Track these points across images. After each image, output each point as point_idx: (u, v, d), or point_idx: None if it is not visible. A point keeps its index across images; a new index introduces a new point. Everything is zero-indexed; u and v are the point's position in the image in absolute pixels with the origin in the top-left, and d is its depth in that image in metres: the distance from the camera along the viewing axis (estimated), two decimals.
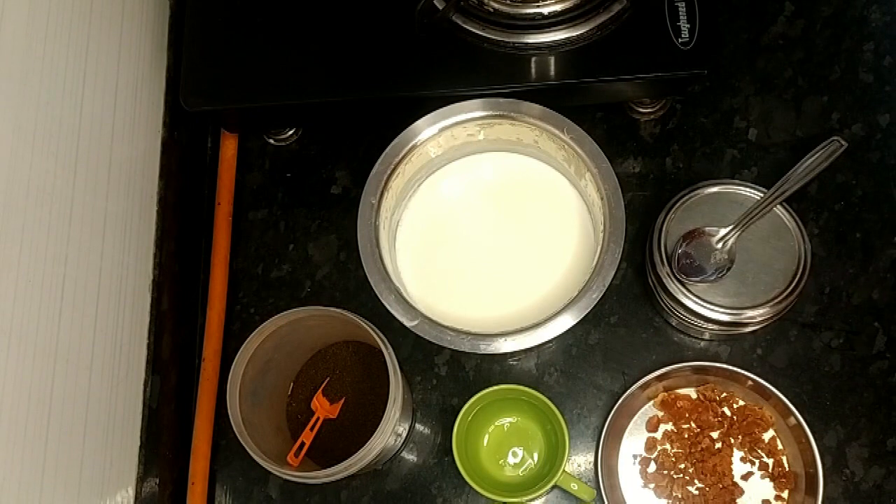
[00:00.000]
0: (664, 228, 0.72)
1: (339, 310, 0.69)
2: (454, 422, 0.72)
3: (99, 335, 0.69)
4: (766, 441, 0.74)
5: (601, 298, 0.67)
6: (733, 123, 0.83)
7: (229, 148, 0.86)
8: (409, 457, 0.78)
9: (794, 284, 0.70)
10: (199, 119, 0.87)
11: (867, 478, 0.74)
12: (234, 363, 0.69)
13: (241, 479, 0.78)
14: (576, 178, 0.75)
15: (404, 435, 0.76)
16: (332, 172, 0.86)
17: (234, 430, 0.67)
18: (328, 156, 0.86)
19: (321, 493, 0.77)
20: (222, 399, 0.80)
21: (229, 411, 0.68)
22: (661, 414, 0.76)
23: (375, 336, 0.68)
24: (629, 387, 0.73)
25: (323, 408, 0.76)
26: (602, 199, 0.69)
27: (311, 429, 0.74)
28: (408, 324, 0.67)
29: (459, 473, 0.71)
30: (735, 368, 0.72)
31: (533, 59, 0.75)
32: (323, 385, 0.77)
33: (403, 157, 0.73)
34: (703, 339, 0.78)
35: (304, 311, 0.70)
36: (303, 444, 0.73)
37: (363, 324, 0.68)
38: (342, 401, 0.77)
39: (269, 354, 0.72)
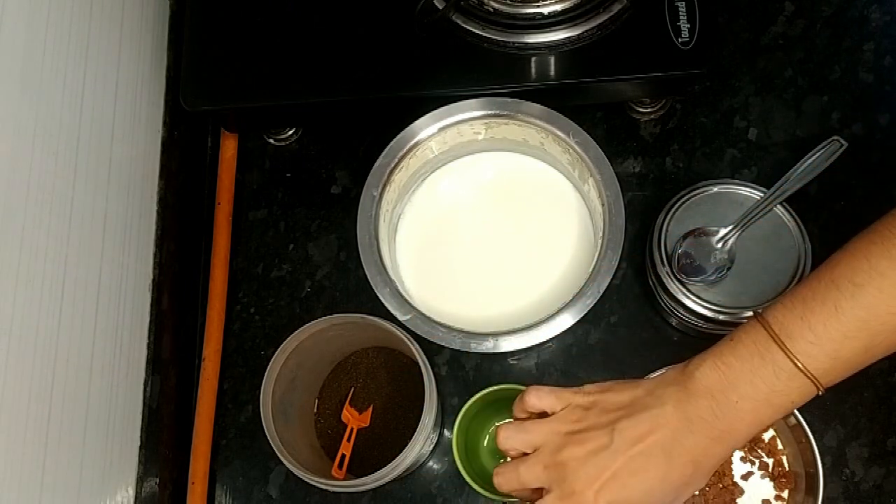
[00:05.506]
0: (664, 228, 0.72)
1: (360, 315, 0.69)
2: (454, 422, 0.72)
3: (99, 335, 0.69)
4: (766, 441, 0.74)
5: (600, 299, 0.67)
6: (733, 123, 0.83)
7: (229, 148, 0.86)
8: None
9: (794, 284, 0.70)
10: (199, 119, 0.87)
11: (867, 478, 0.74)
12: (262, 384, 0.68)
13: (241, 479, 0.78)
14: (579, 182, 0.75)
15: (435, 438, 0.76)
16: (332, 172, 0.86)
17: (277, 453, 0.67)
18: (328, 156, 0.86)
19: (321, 493, 0.77)
20: (222, 399, 0.80)
21: (267, 434, 0.67)
22: None
23: (405, 339, 0.68)
24: None
25: (355, 418, 0.76)
26: (603, 205, 0.70)
27: (349, 440, 0.74)
28: (401, 318, 0.68)
29: (459, 473, 0.71)
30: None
31: (533, 59, 0.75)
32: (349, 396, 0.77)
33: (408, 151, 0.73)
34: (703, 339, 0.78)
35: (325, 321, 0.70)
36: (343, 456, 0.74)
37: (394, 329, 0.68)
38: (370, 408, 0.77)
39: (293, 372, 0.72)
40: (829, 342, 0.52)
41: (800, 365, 0.52)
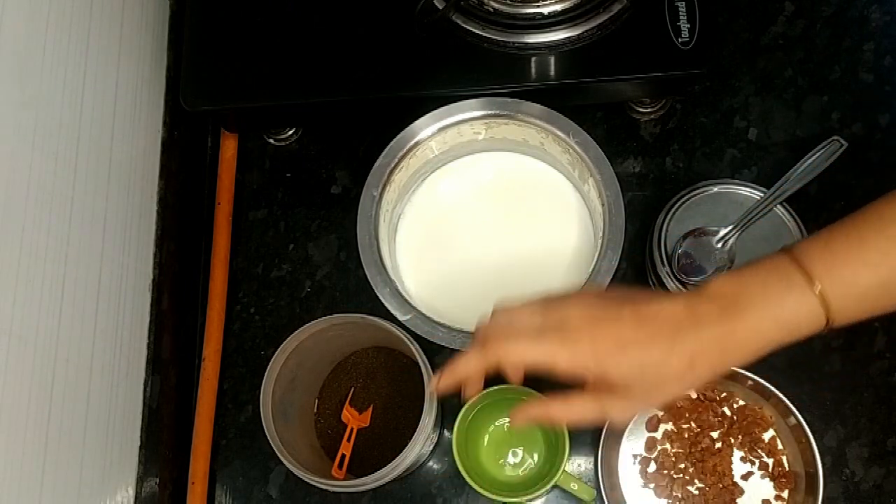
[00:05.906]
0: (664, 228, 0.72)
1: (360, 314, 0.69)
2: (454, 422, 0.72)
3: (99, 335, 0.69)
4: (766, 441, 0.74)
5: None
6: (733, 123, 0.83)
7: (229, 148, 0.86)
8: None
9: None
10: (199, 119, 0.87)
11: (867, 478, 0.74)
12: (262, 384, 0.68)
13: (241, 479, 0.78)
14: (579, 182, 0.76)
15: (435, 438, 0.76)
16: (332, 172, 0.86)
17: (277, 453, 0.67)
18: (328, 156, 0.86)
19: (321, 493, 0.77)
20: (222, 399, 0.80)
21: (267, 434, 0.67)
22: (661, 413, 0.76)
23: (405, 339, 0.68)
24: None
25: (355, 418, 0.76)
26: (603, 205, 0.70)
27: (349, 440, 0.75)
28: (401, 318, 0.68)
29: (459, 473, 0.71)
30: (735, 368, 0.72)
31: (533, 59, 0.75)
32: (349, 396, 0.77)
33: (409, 151, 0.73)
34: None
35: (325, 321, 0.70)
36: (343, 456, 0.74)
37: (394, 329, 0.68)
38: (370, 408, 0.77)
39: (293, 372, 0.72)
40: (847, 268, 0.52)
41: (816, 288, 0.51)
